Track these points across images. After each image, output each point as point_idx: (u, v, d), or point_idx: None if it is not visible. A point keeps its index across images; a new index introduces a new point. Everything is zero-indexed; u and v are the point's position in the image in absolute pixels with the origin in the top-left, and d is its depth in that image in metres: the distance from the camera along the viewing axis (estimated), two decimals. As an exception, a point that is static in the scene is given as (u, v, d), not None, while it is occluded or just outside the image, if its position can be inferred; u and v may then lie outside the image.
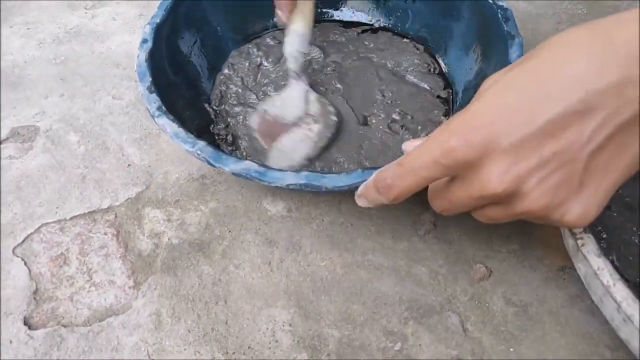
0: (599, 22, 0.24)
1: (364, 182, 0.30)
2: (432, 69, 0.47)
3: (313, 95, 0.43)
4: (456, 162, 0.25)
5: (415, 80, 0.46)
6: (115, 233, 0.40)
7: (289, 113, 0.43)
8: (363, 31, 0.50)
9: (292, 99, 0.43)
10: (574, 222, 0.25)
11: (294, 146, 0.42)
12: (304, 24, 0.41)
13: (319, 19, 0.50)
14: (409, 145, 0.32)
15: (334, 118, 0.42)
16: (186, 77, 0.44)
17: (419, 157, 0.26)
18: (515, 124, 0.23)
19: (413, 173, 0.26)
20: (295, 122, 0.42)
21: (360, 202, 0.31)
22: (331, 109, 0.42)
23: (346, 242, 0.40)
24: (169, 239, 0.40)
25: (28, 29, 0.55)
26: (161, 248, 0.40)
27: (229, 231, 0.40)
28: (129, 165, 0.44)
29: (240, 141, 0.43)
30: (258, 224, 0.41)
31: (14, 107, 0.48)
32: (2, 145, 0.45)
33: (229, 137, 0.43)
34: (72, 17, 0.55)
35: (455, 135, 0.24)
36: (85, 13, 0.56)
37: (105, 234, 0.40)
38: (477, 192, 0.25)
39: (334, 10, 0.51)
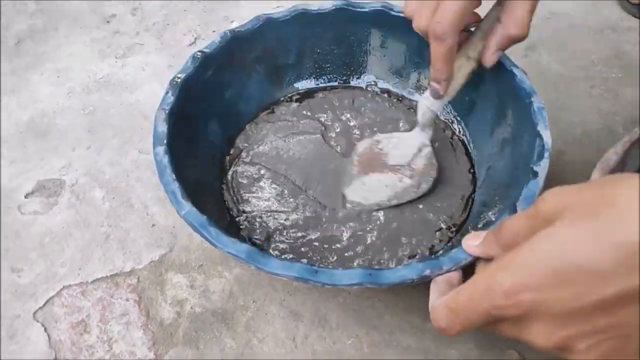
0: None
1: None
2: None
3: (426, 150, 0.42)
4: (504, 316, 0.24)
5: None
6: (138, 299, 0.40)
7: (395, 155, 0.43)
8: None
9: (405, 145, 0.42)
10: None
11: (377, 188, 0.42)
12: (450, 91, 0.40)
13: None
14: (469, 244, 0.30)
15: (429, 179, 0.42)
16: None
17: (469, 307, 0.25)
18: (567, 294, 0.22)
19: (466, 323, 0.25)
20: (395, 166, 0.42)
21: None
22: (433, 172, 0.42)
23: (373, 319, 0.38)
24: (191, 307, 0.39)
25: (58, 76, 0.55)
26: (183, 317, 0.39)
27: (253, 301, 0.39)
28: (153, 225, 0.44)
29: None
30: (283, 294, 0.40)
31: (41, 158, 0.48)
32: (27, 199, 0.45)
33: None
34: (102, 65, 0.56)
35: (505, 295, 0.23)
36: (116, 62, 0.56)
37: (127, 299, 0.39)
38: (528, 341, 0.24)
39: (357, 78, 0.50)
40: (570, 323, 0.22)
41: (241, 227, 0.40)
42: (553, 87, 0.54)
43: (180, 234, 0.43)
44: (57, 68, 0.56)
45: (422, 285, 0.39)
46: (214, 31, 0.59)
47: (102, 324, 0.38)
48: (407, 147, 0.42)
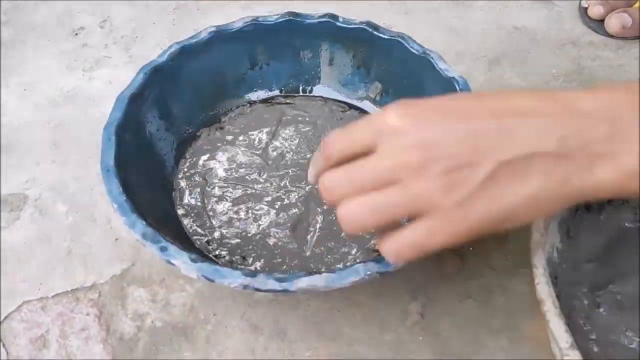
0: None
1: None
2: None
3: None
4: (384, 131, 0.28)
5: None
6: (98, 314, 0.40)
7: None
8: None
9: None
10: (457, 221, 0.27)
11: None
12: None
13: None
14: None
15: None
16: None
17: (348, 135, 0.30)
18: (453, 117, 0.27)
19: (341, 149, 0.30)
20: None
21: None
22: None
23: (332, 331, 0.39)
24: (152, 321, 0.39)
25: (24, 90, 0.55)
26: (143, 331, 0.39)
27: (214, 314, 0.40)
28: (116, 239, 0.44)
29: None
30: (244, 307, 0.40)
31: (5, 172, 0.48)
32: (-11, 214, 0.45)
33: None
34: (69, 79, 0.56)
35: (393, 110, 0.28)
36: (83, 75, 0.56)
37: (88, 314, 0.40)
38: (387, 161, 0.27)
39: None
40: (435, 144, 0.27)
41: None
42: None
43: (143, 248, 0.43)
44: (23, 81, 0.56)
45: (382, 295, 0.40)
46: (182, 44, 0.59)
47: (62, 339, 0.38)
48: None
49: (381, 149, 0.27)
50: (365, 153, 0.28)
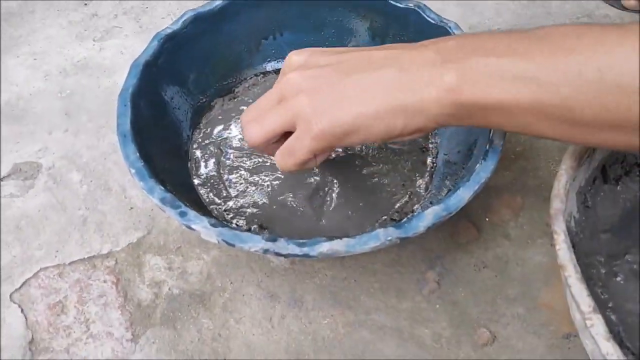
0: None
1: None
2: None
3: None
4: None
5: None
6: (115, 281, 0.40)
7: None
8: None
9: None
10: (315, 122, 0.31)
11: None
12: None
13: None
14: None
15: None
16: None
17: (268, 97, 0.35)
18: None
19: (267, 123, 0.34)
20: None
21: None
22: None
23: (349, 300, 0.39)
24: (169, 288, 0.39)
25: (35, 59, 0.54)
26: (161, 298, 0.39)
27: (231, 282, 0.40)
28: (131, 208, 0.44)
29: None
30: (260, 276, 0.40)
31: (17, 142, 0.48)
32: (2, 182, 0.45)
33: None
34: (79, 49, 0.55)
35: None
36: (93, 45, 0.56)
37: (105, 281, 0.40)
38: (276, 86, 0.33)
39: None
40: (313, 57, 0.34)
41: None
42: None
43: (159, 216, 0.43)
44: (33, 51, 0.55)
45: (399, 265, 0.40)
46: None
47: (80, 305, 0.38)
48: None
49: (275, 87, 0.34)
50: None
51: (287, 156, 0.33)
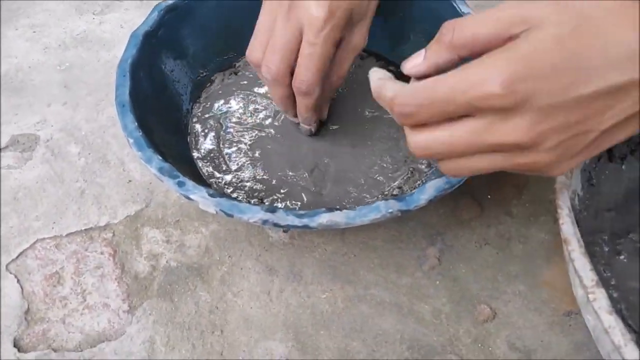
0: None
1: (379, 88, 0.28)
2: None
3: None
4: (491, 108, 0.23)
5: None
6: (112, 253, 0.39)
7: None
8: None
9: None
10: (553, 175, 0.26)
11: None
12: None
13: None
14: (411, 65, 0.28)
15: None
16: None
17: (450, 96, 0.24)
18: (558, 86, 0.23)
19: (437, 112, 0.25)
20: None
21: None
22: None
23: (348, 274, 0.39)
24: (167, 261, 0.39)
25: (34, 32, 0.54)
26: (158, 271, 0.39)
27: (229, 256, 0.39)
28: (129, 181, 0.43)
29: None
30: (259, 250, 0.40)
31: (15, 113, 0.47)
32: (1, 154, 0.44)
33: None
34: (79, 22, 0.54)
35: (502, 83, 0.23)
36: (93, 18, 0.55)
37: (102, 253, 0.39)
38: (497, 139, 0.24)
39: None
40: (550, 116, 0.23)
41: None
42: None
43: (157, 190, 0.43)
44: (32, 23, 0.54)
45: (398, 241, 0.40)
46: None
47: (76, 277, 0.38)
48: None
49: (484, 121, 0.24)
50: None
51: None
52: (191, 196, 0.33)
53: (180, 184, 0.33)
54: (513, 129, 0.24)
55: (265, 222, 0.32)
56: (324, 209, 0.32)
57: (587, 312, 0.31)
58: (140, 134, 0.35)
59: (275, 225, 0.32)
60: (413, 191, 0.33)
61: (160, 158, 0.34)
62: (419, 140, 0.26)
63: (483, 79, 0.23)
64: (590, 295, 0.29)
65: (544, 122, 0.23)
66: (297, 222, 0.32)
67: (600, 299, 0.29)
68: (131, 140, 0.35)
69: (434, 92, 0.25)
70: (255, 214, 0.32)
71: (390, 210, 0.32)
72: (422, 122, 0.26)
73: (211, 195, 0.32)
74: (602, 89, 0.23)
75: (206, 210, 0.32)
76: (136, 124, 0.36)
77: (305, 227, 0.32)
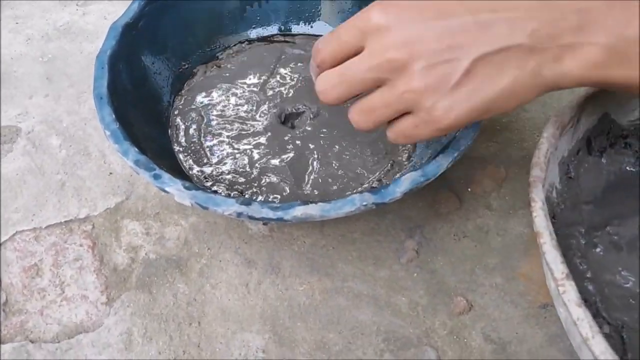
0: None
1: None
2: None
3: None
4: (372, 29, 0.28)
5: None
6: (92, 245, 0.39)
7: None
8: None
9: None
10: (440, 116, 0.28)
11: None
12: None
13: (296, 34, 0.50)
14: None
15: None
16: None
17: (344, 27, 0.29)
18: (428, 15, 0.27)
19: (337, 41, 0.30)
20: None
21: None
22: None
23: (326, 267, 0.39)
24: (146, 253, 0.39)
25: (17, 23, 0.53)
26: (137, 263, 0.39)
27: (208, 248, 0.40)
28: (110, 173, 0.43)
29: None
30: (238, 242, 0.40)
31: (-4, 105, 0.47)
32: (-19, 146, 0.44)
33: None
34: (63, 14, 0.54)
35: (379, 5, 0.28)
36: (77, 10, 0.55)
37: (81, 245, 0.39)
38: (379, 59, 0.28)
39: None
40: (421, 38, 0.27)
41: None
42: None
43: (137, 182, 0.43)
44: (15, 15, 0.54)
45: (377, 234, 0.40)
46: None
47: (55, 268, 0.38)
48: None
49: (368, 48, 0.28)
50: (355, 54, 0.29)
51: (400, 137, 0.31)
52: (167, 189, 0.33)
53: (156, 177, 0.33)
54: (392, 44, 0.27)
55: (239, 214, 0.32)
56: (298, 201, 0.32)
57: (559, 305, 0.31)
58: (117, 126, 0.35)
59: (250, 217, 0.32)
60: (388, 184, 0.33)
61: (137, 150, 0.34)
62: (320, 77, 0.31)
63: (365, 10, 0.29)
64: (560, 288, 0.29)
65: (417, 43, 0.27)
66: (271, 214, 0.32)
67: (569, 292, 0.29)
68: (108, 133, 0.35)
69: (334, 31, 0.30)
70: (230, 207, 0.32)
71: (364, 203, 0.32)
72: (327, 62, 0.30)
73: (186, 188, 0.33)
74: (469, 22, 0.26)
75: (182, 203, 0.32)
76: (114, 116, 0.36)
77: (280, 219, 0.32)
